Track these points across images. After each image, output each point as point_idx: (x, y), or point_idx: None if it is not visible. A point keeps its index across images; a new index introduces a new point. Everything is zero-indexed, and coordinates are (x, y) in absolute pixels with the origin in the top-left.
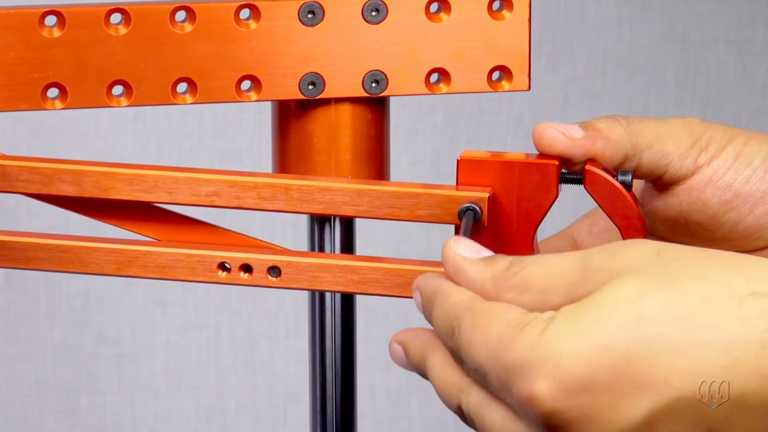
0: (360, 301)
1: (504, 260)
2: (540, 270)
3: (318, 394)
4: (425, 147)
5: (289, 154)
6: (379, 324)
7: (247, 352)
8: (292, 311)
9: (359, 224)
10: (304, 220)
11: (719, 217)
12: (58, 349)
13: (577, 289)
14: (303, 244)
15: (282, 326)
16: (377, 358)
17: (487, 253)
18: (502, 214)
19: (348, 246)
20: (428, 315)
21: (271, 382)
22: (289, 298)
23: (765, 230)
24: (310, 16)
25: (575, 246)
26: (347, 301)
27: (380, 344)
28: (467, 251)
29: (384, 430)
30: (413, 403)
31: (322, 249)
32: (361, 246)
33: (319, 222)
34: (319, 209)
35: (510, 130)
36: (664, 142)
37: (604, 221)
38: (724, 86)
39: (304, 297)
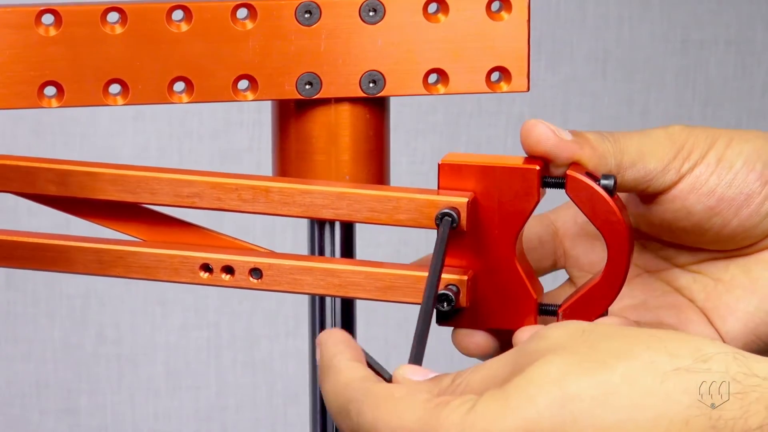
0: (360, 302)
1: (448, 377)
2: (480, 374)
3: (318, 394)
4: (425, 147)
5: (288, 154)
6: (379, 324)
7: (247, 352)
8: (292, 311)
9: (359, 225)
10: (304, 221)
11: (704, 223)
12: (58, 349)
13: (510, 377)
14: (303, 246)
15: (282, 326)
16: (376, 359)
17: (433, 374)
18: (484, 218)
19: (348, 247)
20: (320, 384)
21: (271, 381)
22: (289, 298)
23: (751, 230)
24: (306, 15)
25: (555, 234)
26: (347, 302)
27: (380, 344)
28: (416, 375)
29: None
30: None
31: (322, 251)
32: (360, 247)
33: (319, 223)
34: (299, 212)
35: (510, 130)
36: (647, 159)
37: None
38: (724, 86)
39: (304, 297)
